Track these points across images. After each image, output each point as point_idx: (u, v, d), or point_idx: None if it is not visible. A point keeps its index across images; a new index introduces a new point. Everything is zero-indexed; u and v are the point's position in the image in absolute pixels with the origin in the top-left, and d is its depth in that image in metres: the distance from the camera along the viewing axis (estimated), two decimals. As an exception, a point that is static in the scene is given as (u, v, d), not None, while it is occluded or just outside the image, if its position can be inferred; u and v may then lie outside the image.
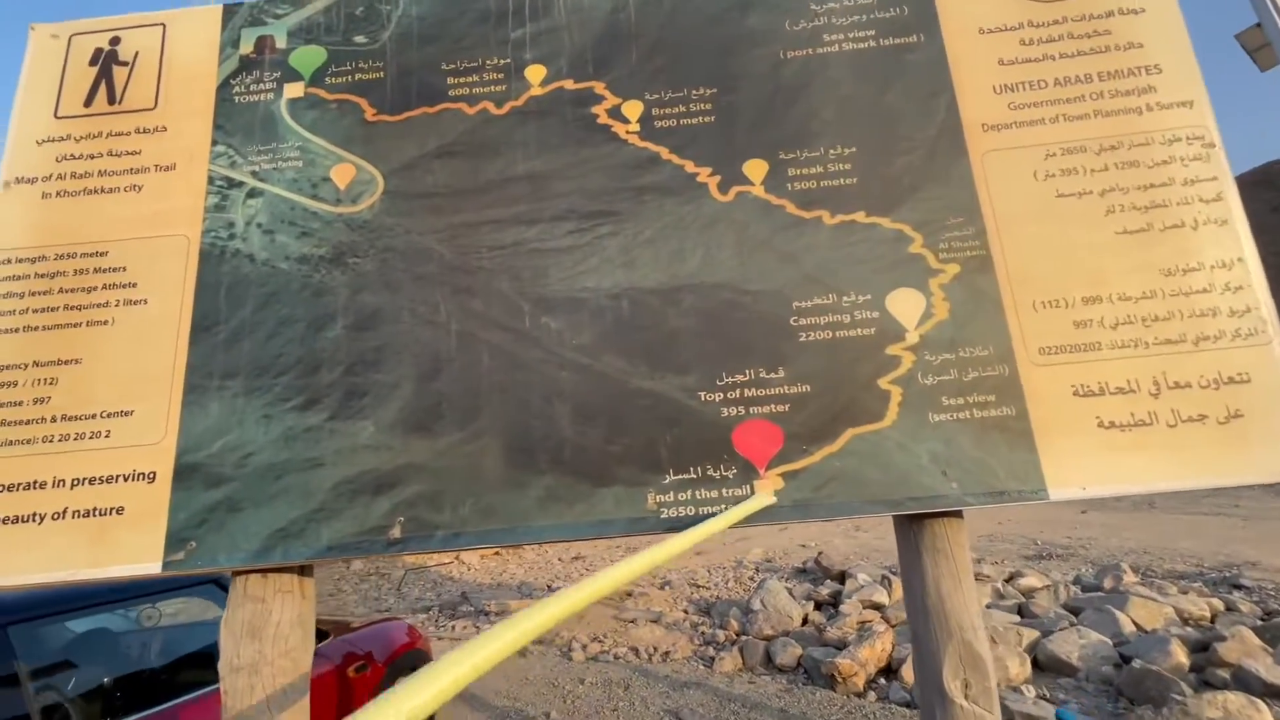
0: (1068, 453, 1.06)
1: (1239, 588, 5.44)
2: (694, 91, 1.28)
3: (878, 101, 1.25)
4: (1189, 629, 3.78)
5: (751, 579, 8.55)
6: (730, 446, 1.11)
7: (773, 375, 1.13)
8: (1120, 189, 1.16)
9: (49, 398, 1.19)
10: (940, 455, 1.08)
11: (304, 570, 1.18)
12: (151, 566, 1.10)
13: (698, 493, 1.09)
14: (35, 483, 1.14)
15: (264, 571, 1.14)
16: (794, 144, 1.23)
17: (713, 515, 1.08)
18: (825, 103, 1.25)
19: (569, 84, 1.30)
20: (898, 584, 6.38)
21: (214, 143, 1.32)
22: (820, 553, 8.01)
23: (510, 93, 1.31)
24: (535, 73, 1.31)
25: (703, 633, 6.78)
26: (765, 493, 1.07)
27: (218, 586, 2.84)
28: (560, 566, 10.84)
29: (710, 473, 1.10)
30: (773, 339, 1.15)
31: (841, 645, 5.68)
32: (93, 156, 1.33)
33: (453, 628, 7.61)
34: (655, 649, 6.31)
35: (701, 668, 5.87)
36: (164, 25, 1.41)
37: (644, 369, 1.15)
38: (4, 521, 1.13)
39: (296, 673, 1.15)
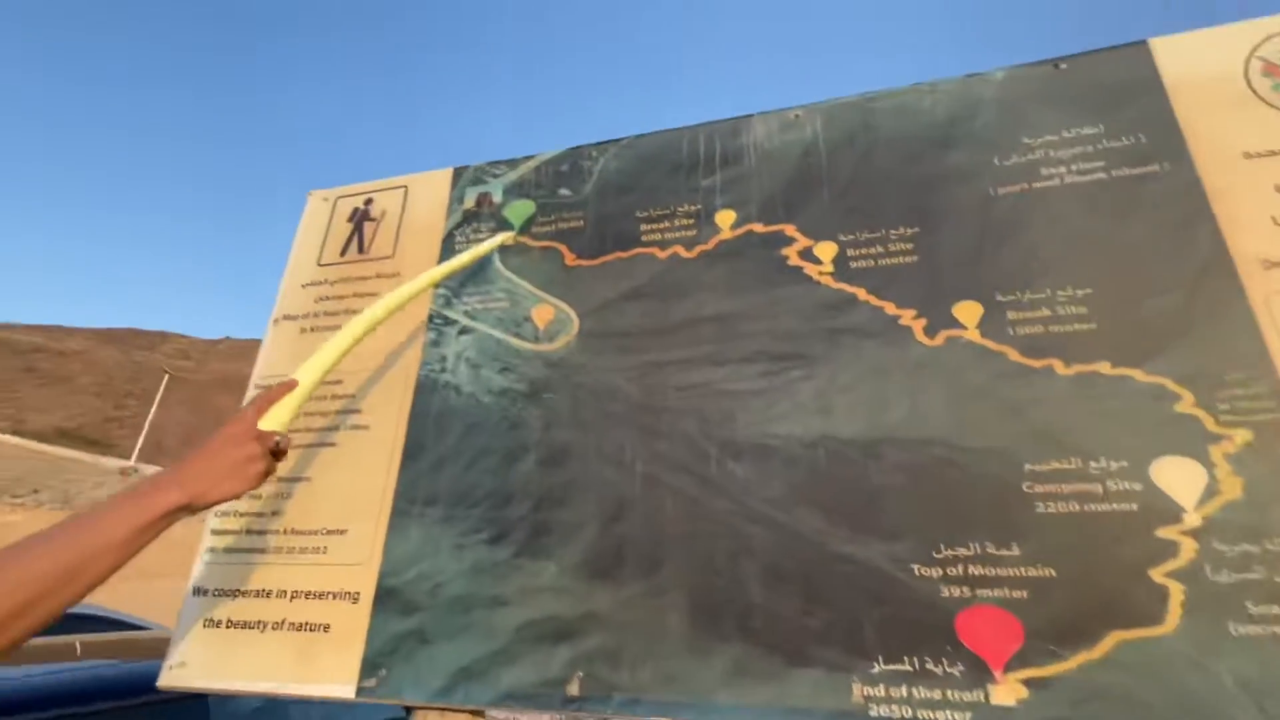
0: None
1: None
2: (892, 231, 1.23)
3: (1114, 237, 1.11)
4: None
5: None
6: (954, 636, 0.94)
7: (1004, 552, 0.97)
8: None
9: (284, 511, 1.34)
10: (1253, 682, 0.83)
11: (476, 714, 1.16)
12: (347, 689, 1.14)
13: (915, 690, 0.93)
14: (263, 591, 1.26)
15: (441, 709, 1.13)
16: (1012, 285, 1.13)
17: (936, 722, 0.91)
18: (1048, 240, 1.14)
19: (758, 227, 1.32)
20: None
21: (437, 287, 1.50)
22: None
23: (700, 237, 1.35)
24: (725, 217, 1.36)
25: None
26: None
27: (202, 704, 2.56)
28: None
29: (930, 666, 0.93)
30: (1001, 507, 1.00)
31: None
32: (342, 297, 1.56)
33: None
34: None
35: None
36: (406, 188, 1.67)
37: (844, 530, 1.05)
38: (233, 625, 1.25)
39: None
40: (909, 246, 1.21)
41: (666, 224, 1.39)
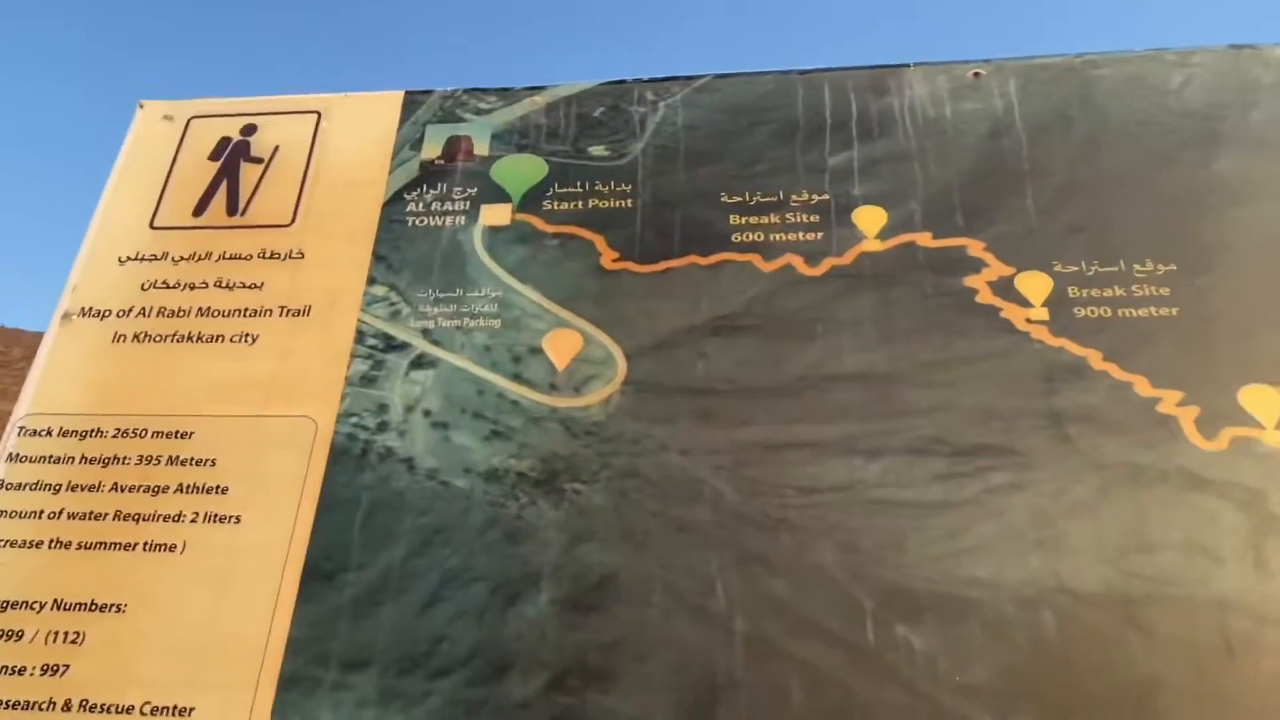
0: None
1: None
2: (1138, 266, 1.18)
3: None
4: None
5: None
6: None
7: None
8: None
9: (67, 667, 1.07)
10: None
11: None
12: None
13: None
14: (19, 827, 0.99)
15: None
16: (1326, 373, 1.09)
17: None
18: (1379, 300, 1.13)
19: (925, 239, 1.24)
20: None
21: (371, 281, 1.31)
22: None
23: (830, 245, 1.25)
24: (870, 218, 1.26)
25: None
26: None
27: None
28: None
29: None
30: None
31: None
32: (193, 287, 1.33)
33: None
34: None
35: None
36: (319, 113, 1.47)
37: (1087, 749, 0.94)
38: None
39: None
40: (1165, 292, 1.16)
41: (773, 218, 1.29)
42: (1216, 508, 1.04)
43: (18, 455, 1.21)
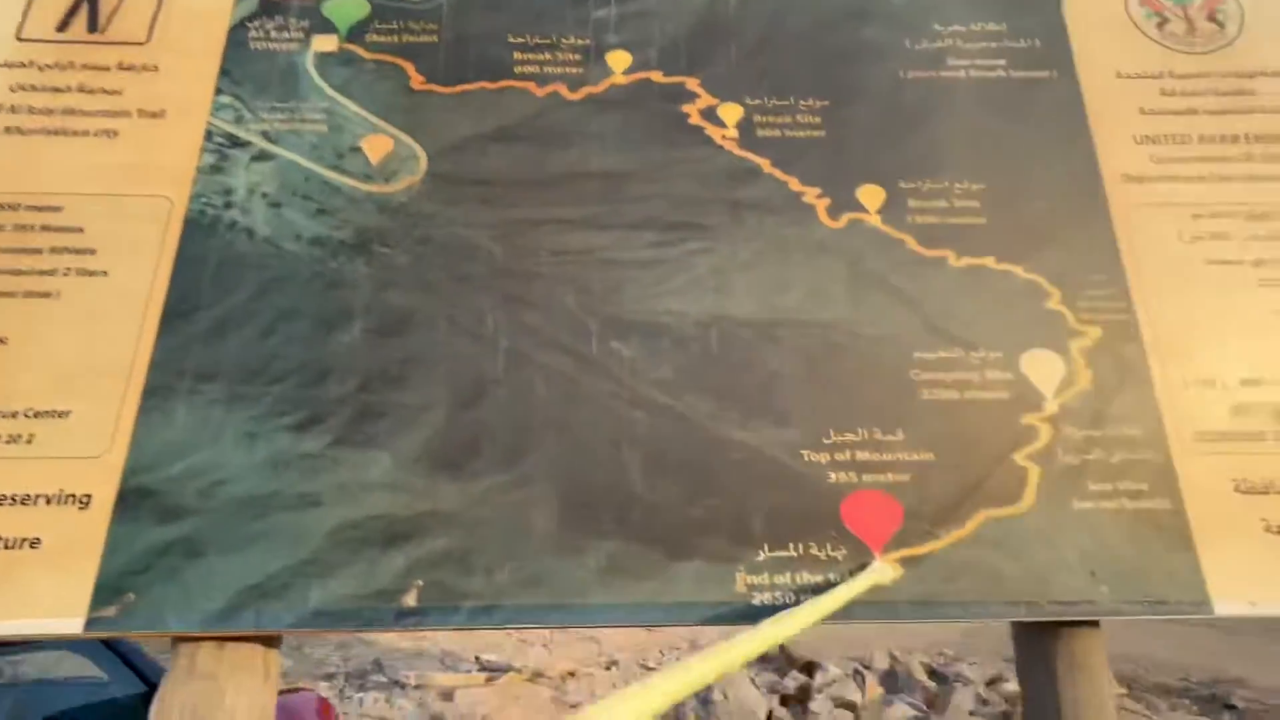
0: (1232, 560, 0.97)
1: (1230, 708, 5.50)
2: (802, 101, 1.20)
3: (1009, 136, 1.20)
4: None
5: (713, 663, 8.21)
6: (838, 520, 0.98)
7: (890, 438, 1.02)
8: (1274, 261, 1.12)
9: (-42, 383, 0.97)
10: (1088, 551, 0.97)
11: (270, 642, 0.97)
12: (70, 624, 0.88)
13: (798, 575, 0.95)
14: (-80, 497, 0.92)
15: (221, 640, 0.93)
16: (916, 173, 1.16)
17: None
18: (951, 132, 1.20)
19: (657, 76, 1.21)
20: (870, 680, 6.23)
21: (218, 91, 1.17)
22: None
23: (588, 77, 1.21)
24: (619, 59, 1.22)
25: (656, 725, 6.39)
26: (886, 565, 0.94)
27: (105, 645, 2.46)
28: (491, 634, 10.24)
29: (814, 551, 0.96)
30: (890, 394, 1.04)
31: (832, 750, 5.42)
32: (59, 90, 1.15)
33: (360, 701, 7.02)
34: (603, 740, 5.89)
35: (659, 767, 5.50)
36: (172, -50, 1.26)
37: (735, 416, 1.03)
38: None
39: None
40: (817, 120, 1.19)
41: (547, 55, 1.22)
42: (833, 265, 1.11)
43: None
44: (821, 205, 1.14)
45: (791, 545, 0.96)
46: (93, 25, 1.20)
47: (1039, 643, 1.02)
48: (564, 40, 1.23)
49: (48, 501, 0.93)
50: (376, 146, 1.15)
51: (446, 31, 1.23)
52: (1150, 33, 1.26)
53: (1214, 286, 1.11)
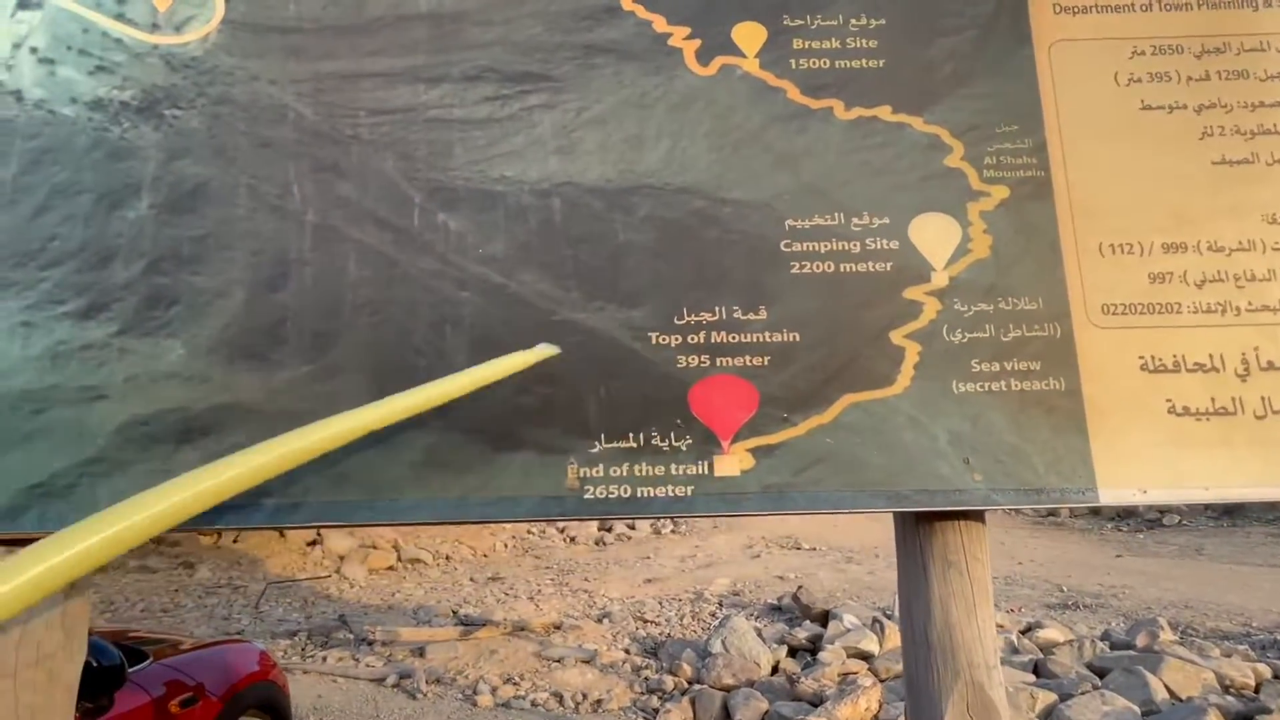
0: (1128, 443, 1.02)
1: (1289, 652, 5.76)
2: (673, -79, 1.18)
3: (918, -39, 1.17)
4: (1230, 698, 3.95)
5: (714, 615, 8.65)
6: (686, 408, 1.03)
7: (751, 317, 1.06)
8: (1222, 105, 1.12)
9: None
10: (963, 437, 1.03)
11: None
12: None
13: (637, 467, 1.01)
14: None
15: (10, 543, 1.01)
16: (803, 8, 1.16)
17: (656, 499, 1.01)
18: (850, -45, 1.17)
19: (499, -107, 1.19)
20: (892, 629, 6.53)
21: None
22: (800, 587, 8.15)
23: (416, -103, 1.18)
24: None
25: (646, 678, 6.81)
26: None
27: None
28: (471, 588, 10.73)
29: (656, 442, 1.02)
30: (755, 267, 1.08)
31: (818, 701, 5.78)
32: None
33: (324, 658, 7.43)
34: (585, 696, 6.30)
35: (640, 721, 5.89)
36: None
37: (576, 295, 1.06)
38: None
39: (55, 687, 1.03)
40: (690, -57, 1.17)
41: None
42: (699, 120, 1.12)
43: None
44: (690, 48, 1.14)
45: (631, 436, 1.02)
46: None
47: (916, 538, 1.09)
48: None
49: None
50: (164, -11, 1.14)
51: None
52: None
53: (1147, 136, 1.12)
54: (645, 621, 8.71)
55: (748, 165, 1.11)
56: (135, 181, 1.09)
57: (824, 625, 7.57)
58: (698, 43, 1.14)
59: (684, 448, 1.02)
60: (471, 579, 12.10)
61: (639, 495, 1.00)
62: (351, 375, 1.04)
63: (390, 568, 12.51)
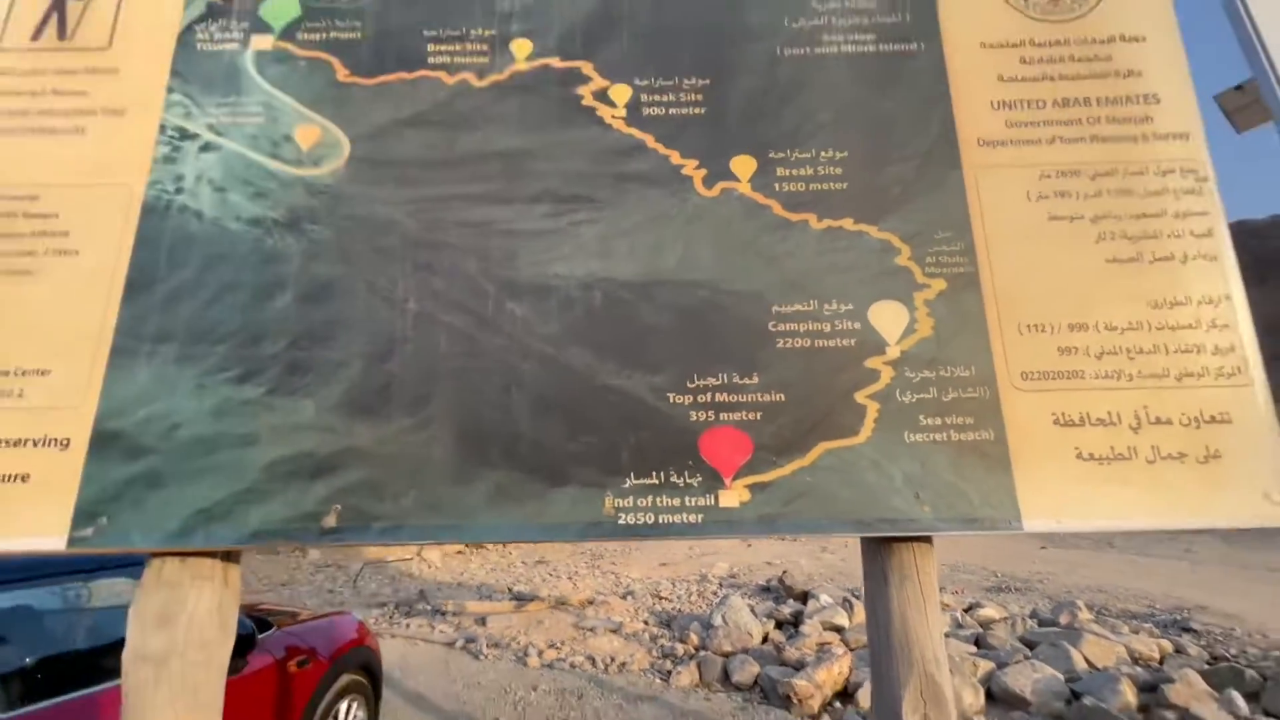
0: (1044, 483, 1.02)
1: (1188, 630, 5.54)
2: (685, 81, 1.23)
3: (874, 107, 1.21)
4: (1139, 669, 3.81)
5: (715, 594, 8.50)
6: (696, 453, 1.05)
7: (746, 381, 1.08)
8: (1113, 216, 1.13)
9: (-43, 350, 1.08)
10: (914, 477, 1.03)
11: (229, 556, 1.08)
12: (54, 542, 1.00)
13: (659, 499, 1.02)
14: (-69, 441, 1.03)
15: (183, 555, 1.04)
16: (785, 144, 1.19)
17: (674, 524, 1.02)
18: (821, 104, 1.21)
19: (555, 62, 1.24)
20: (859, 607, 6.37)
21: (170, 90, 1.23)
22: (785, 571, 7.99)
23: (493, 65, 1.24)
24: (521, 47, 1.25)
25: (661, 645, 6.69)
26: None
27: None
28: (523, 569, 10.67)
29: (674, 479, 1.03)
30: (749, 343, 1.10)
31: (800, 666, 5.63)
32: (35, 94, 1.23)
33: (407, 625, 7.38)
34: (612, 659, 6.20)
35: (658, 681, 5.79)
36: (128, -38, 1.31)
37: (612, 365, 1.09)
38: (-108, 482, 1.02)
39: (211, 667, 1.05)
40: (699, 98, 1.21)
41: (457, 47, 1.25)
42: (705, 230, 1.15)
43: None
44: (698, 176, 1.18)
45: (654, 474, 1.04)
46: (61, 33, 1.27)
47: (878, 556, 1.09)
48: (472, 32, 1.26)
49: (34, 444, 1.04)
50: (307, 135, 1.20)
51: (368, 28, 1.27)
52: (1015, 3, 1.25)
53: (1054, 240, 1.13)
54: (660, 598, 8.59)
55: (743, 265, 1.13)
56: (282, 279, 1.14)
57: (804, 603, 7.44)
58: (704, 171, 1.18)
59: (695, 484, 1.03)
60: (523, 562, 12.04)
61: (661, 521, 1.01)
62: (441, 428, 1.06)
63: (459, 552, 12.48)
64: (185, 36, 1.27)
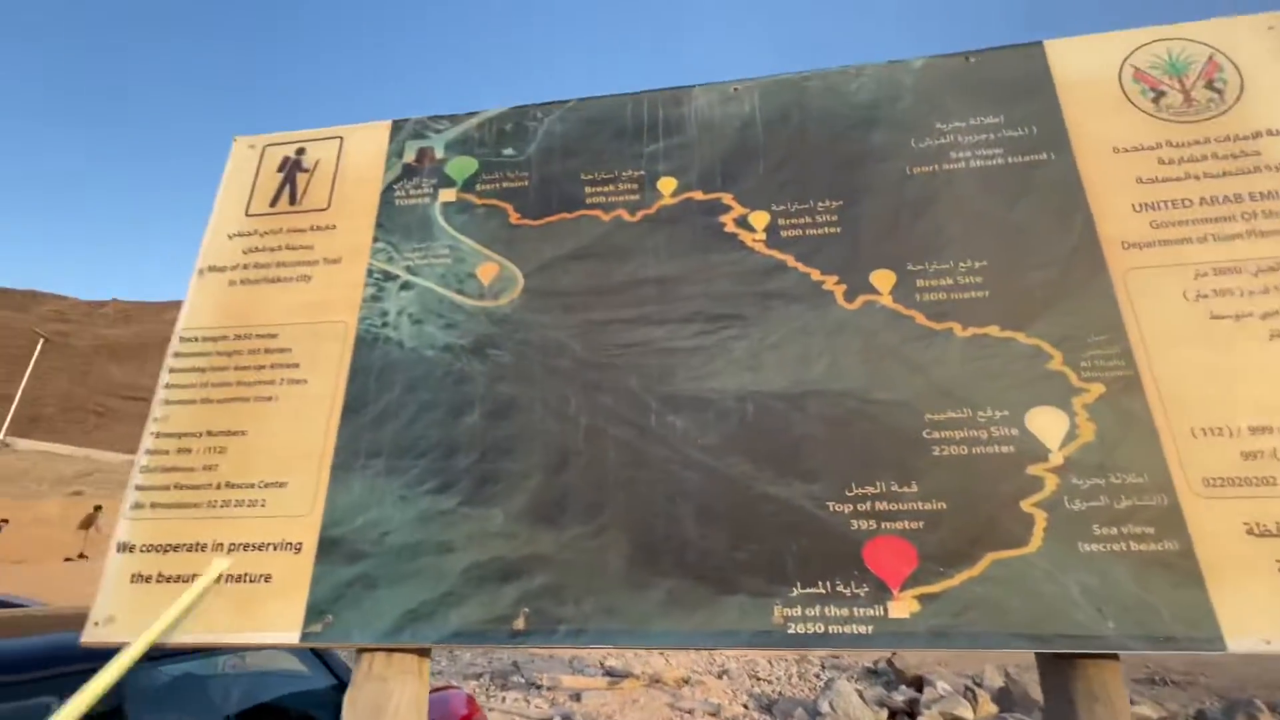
0: (1246, 599, 0.96)
1: None
2: (819, 204, 1.32)
3: (1007, 217, 1.25)
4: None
5: (817, 676, 7.96)
6: (861, 562, 1.07)
7: (905, 489, 1.10)
8: (1283, 313, 1.10)
9: (218, 465, 1.30)
10: (1093, 590, 1.00)
11: (424, 652, 1.20)
12: (290, 636, 1.15)
13: (827, 609, 1.05)
14: (198, 545, 1.24)
15: (389, 651, 1.17)
16: (921, 256, 1.25)
17: (844, 635, 1.03)
18: (952, 217, 1.27)
19: (698, 194, 1.38)
20: (983, 697, 5.77)
21: (375, 240, 1.47)
22: (894, 653, 7.40)
23: (643, 201, 1.40)
24: (667, 184, 1.40)
25: (766, 732, 6.27)
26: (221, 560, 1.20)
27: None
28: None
29: (840, 589, 1.06)
30: (903, 451, 1.13)
31: (925, 764, 5.11)
32: (273, 249, 1.50)
33: (504, 699, 7.37)
34: (715, 745, 5.86)
35: (767, 772, 5.39)
36: (341, 138, 1.61)
37: (769, 473, 1.15)
38: (164, 580, 1.22)
39: (407, 756, 1.15)
40: (834, 218, 1.30)
41: (611, 187, 1.42)
42: (850, 341, 1.22)
43: (180, 354, 1.40)
44: (839, 291, 1.25)
45: (820, 584, 1.07)
46: (293, 199, 1.55)
47: (1060, 673, 1.05)
48: (623, 173, 1.43)
49: (275, 548, 1.22)
50: (487, 271, 1.39)
51: (534, 176, 1.47)
52: (1145, 107, 1.27)
53: (1220, 340, 1.10)
54: (758, 679, 8.14)
55: (889, 373, 1.18)
56: (470, 399, 1.30)
57: (919, 690, 6.83)
58: (844, 286, 1.25)
59: (862, 594, 1.05)
60: (614, 633, 11.65)
61: (831, 631, 1.04)
62: (614, 534, 1.15)
63: (549, 621, 12.25)
64: (386, 195, 1.52)
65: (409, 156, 1.55)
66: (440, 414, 1.29)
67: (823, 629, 1.04)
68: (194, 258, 1.51)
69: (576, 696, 7.42)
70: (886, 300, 1.23)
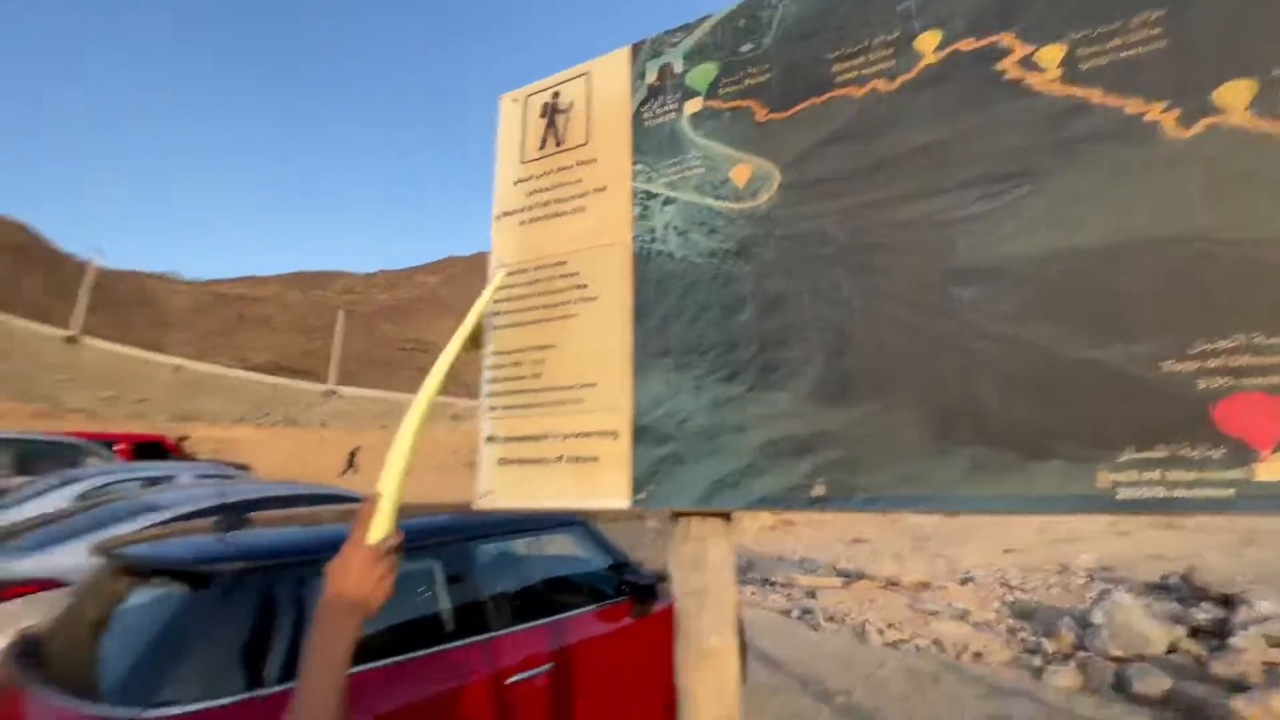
0: None
1: None
2: (1135, 18, 1.11)
3: None
4: None
5: (1084, 588, 7.24)
6: (1210, 424, 0.96)
7: (1276, 340, 0.94)
8: None
9: (540, 373, 1.59)
10: None
11: (727, 517, 1.38)
12: (622, 502, 1.41)
13: (1168, 473, 0.97)
14: (541, 435, 1.55)
15: (701, 515, 1.37)
16: (1293, 53, 0.99)
17: (1193, 499, 0.95)
18: (1348, -10, 0.97)
19: (968, 43, 1.24)
20: (1334, 619, 4.81)
21: (634, 164, 1.60)
22: (1191, 568, 6.39)
23: (900, 67, 1.30)
24: (928, 41, 1.28)
25: (1022, 639, 5.99)
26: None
27: (581, 526, 3.63)
28: (841, 547, 10.58)
29: (1186, 452, 0.96)
30: (1269, 295, 0.95)
31: (1237, 687, 4.53)
32: (548, 189, 1.72)
33: (742, 592, 7.97)
34: (966, 647, 5.77)
35: (1027, 677, 5.22)
36: (588, 74, 1.74)
37: (1084, 339, 1.06)
38: (523, 462, 1.57)
39: (727, 599, 1.36)
40: (1156, 31, 1.08)
41: (862, 59, 1.35)
42: (1185, 176, 1.04)
43: (497, 288, 1.70)
44: (1168, 119, 1.05)
45: (1159, 446, 0.98)
46: (557, 140, 1.75)
47: None
48: (875, 40, 1.33)
49: (598, 435, 1.48)
50: (741, 174, 1.44)
51: (776, 68, 1.45)
52: None
53: None
54: (1010, 587, 7.65)
55: (1245, 208, 0.98)
56: (741, 298, 1.38)
57: (1228, 609, 5.89)
58: (1176, 112, 1.05)
59: (1216, 457, 0.94)
60: (839, 540, 11.92)
61: (1177, 496, 0.96)
62: (904, 410, 1.18)
63: (771, 528, 12.92)
64: (636, 119, 1.63)
65: (651, 77, 1.63)
66: (716, 314, 1.41)
67: (1162, 493, 0.96)
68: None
69: (811, 594, 7.74)
70: (1240, 118, 1.01)
